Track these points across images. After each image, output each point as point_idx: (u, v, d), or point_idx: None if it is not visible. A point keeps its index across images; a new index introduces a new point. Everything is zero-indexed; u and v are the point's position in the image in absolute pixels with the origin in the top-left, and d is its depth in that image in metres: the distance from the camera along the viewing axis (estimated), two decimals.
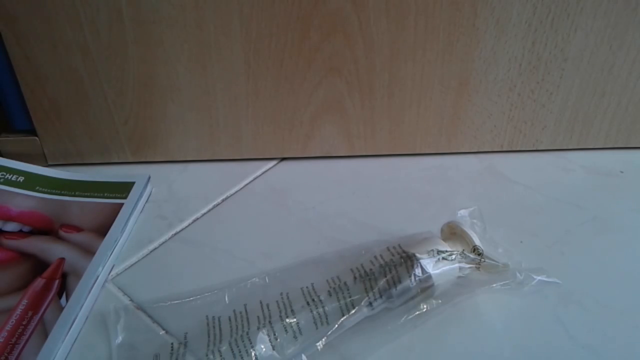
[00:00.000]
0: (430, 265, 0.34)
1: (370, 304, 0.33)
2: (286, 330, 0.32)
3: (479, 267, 0.36)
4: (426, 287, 0.34)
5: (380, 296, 0.33)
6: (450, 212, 0.40)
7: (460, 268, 0.35)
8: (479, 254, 0.36)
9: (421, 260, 0.34)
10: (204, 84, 0.46)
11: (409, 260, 0.34)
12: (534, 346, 0.34)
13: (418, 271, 0.34)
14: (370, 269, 0.35)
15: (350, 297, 0.34)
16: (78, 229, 0.42)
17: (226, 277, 0.38)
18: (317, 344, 0.32)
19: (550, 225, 0.43)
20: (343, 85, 0.46)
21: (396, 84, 0.46)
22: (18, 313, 0.35)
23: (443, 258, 0.35)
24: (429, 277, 0.34)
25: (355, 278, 0.35)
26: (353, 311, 0.33)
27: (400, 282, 0.34)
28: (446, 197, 0.46)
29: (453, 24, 0.43)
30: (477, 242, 0.36)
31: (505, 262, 0.36)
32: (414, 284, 0.34)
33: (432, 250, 0.35)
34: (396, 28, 0.43)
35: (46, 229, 0.42)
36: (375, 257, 0.36)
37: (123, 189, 0.45)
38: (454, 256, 0.35)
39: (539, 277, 0.36)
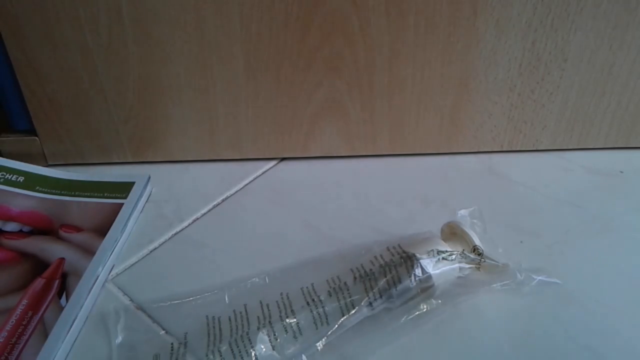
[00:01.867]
0: (430, 266, 0.34)
1: (370, 304, 0.33)
2: (286, 330, 0.32)
3: (479, 267, 0.36)
4: (426, 287, 0.34)
5: (381, 296, 0.33)
6: (450, 212, 0.40)
7: (460, 268, 0.35)
8: (479, 254, 0.36)
9: (421, 261, 0.34)
10: (204, 84, 0.46)
11: (409, 260, 0.34)
12: (534, 346, 0.34)
13: (418, 271, 0.34)
14: (370, 269, 0.35)
15: (350, 297, 0.34)
16: (78, 229, 0.42)
17: (226, 277, 0.38)
18: (317, 344, 0.32)
19: (550, 225, 0.43)
20: (343, 86, 0.46)
21: (396, 84, 0.46)
22: (18, 313, 0.35)
23: (443, 258, 0.35)
24: (429, 277, 0.34)
25: (355, 278, 0.35)
26: (353, 311, 0.33)
27: (400, 282, 0.34)
28: (446, 197, 0.46)
29: (453, 24, 0.43)
30: (477, 242, 0.36)
31: (505, 262, 0.36)
32: (414, 284, 0.34)
33: (432, 250, 0.35)
34: (396, 28, 0.43)
35: (46, 229, 0.42)
36: (375, 257, 0.36)
37: (123, 189, 0.45)
38: (454, 256, 0.35)
39: (539, 277, 0.37)
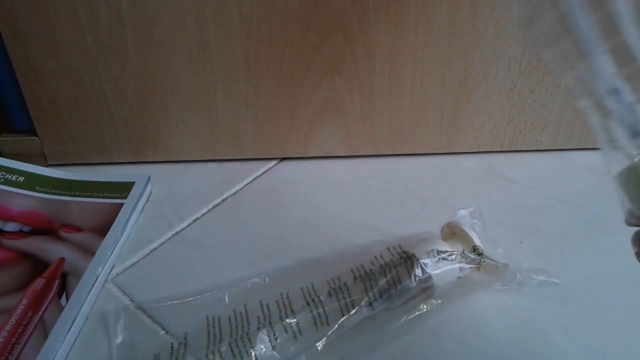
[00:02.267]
0: (430, 266, 0.34)
1: (370, 304, 0.33)
2: (286, 331, 0.32)
3: (479, 267, 0.36)
4: (426, 287, 0.34)
5: (381, 296, 0.33)
6: (450, 212, 0.40)
7: (461, 268, 0.35)
8: (479, 254, 0.36)
9: (421, 261, 0.34)
10: (204, 84, 0.46)
11: (409, 260, 0.34)
12: (534, 346, 0.34)
13: (418, 271, 0.34)
14: (371, 269, 0.35)
15: (350, 297, 0.34)
16: (78, 229, 0.42)
17: (226, 277, 0.38)
18: (317, 344, 0.32)
19: (550, 225, 0.43)
20: (343, 85, 0.46)
21: (396, 84, 0.46)
22: (18, 313, 0.35)
23: (443, 258, 0.35)
24: (429, 277, 0.34)
25: (355, 278, 0.35)
26: (353, 311, 0.33)
27: (400, 282, 0.34)
28: (446, 197, 0.46)
29: (453, 24, 0.43)
30: (477, 242, 0.36)
31: (505, 262, 0.36)
32: (414, 284, 0.34)
33: (432, 250, 0.35)
34: (396, 28, 0.43)
35: (46, 229, 0.42)
36: (376, 257, 0.36)
37: (123, 189, 0.45)
38: (454, 256, 0.35)
39: (539, 277, 0.36)
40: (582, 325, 0.35)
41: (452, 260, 0.35)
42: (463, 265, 0.35)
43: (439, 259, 0.35)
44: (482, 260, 0.36)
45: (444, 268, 0.35)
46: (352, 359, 0.33)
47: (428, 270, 0.34)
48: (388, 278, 0.34)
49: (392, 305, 0.34)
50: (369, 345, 0.33)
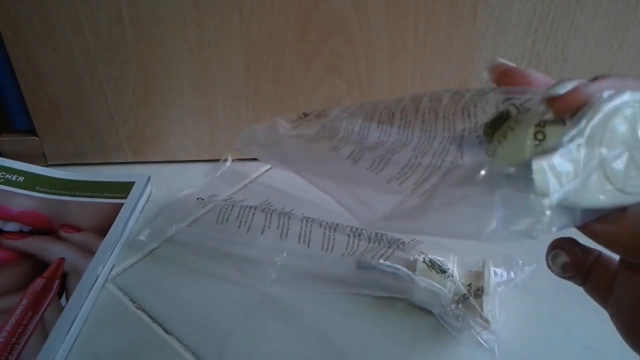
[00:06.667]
0: None
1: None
2: None
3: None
4: None
5: None
6: None
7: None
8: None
9: None
10: (204, 84, 0.46)
11: None
12: (534, 346, 0.34)
13: None
14: None
15: None
16: (78, 229, 0.42)
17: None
18: None
19: None
20: (343, 85, 0.46)
21: (396, 84, 0.46)
22: (18, 313, 0.35)
23: None
24: None
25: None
26: None
27: None
28: None
29: (453, 24, 0.43)
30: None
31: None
32: None
33: None
34: (396, 28, 0.43)
35: (46, 229, 0.42)
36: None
37: (123, 189, 0.45)
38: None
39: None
40: (582, 325, 0.35)
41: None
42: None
43: None
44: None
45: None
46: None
47: None
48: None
49: None
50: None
